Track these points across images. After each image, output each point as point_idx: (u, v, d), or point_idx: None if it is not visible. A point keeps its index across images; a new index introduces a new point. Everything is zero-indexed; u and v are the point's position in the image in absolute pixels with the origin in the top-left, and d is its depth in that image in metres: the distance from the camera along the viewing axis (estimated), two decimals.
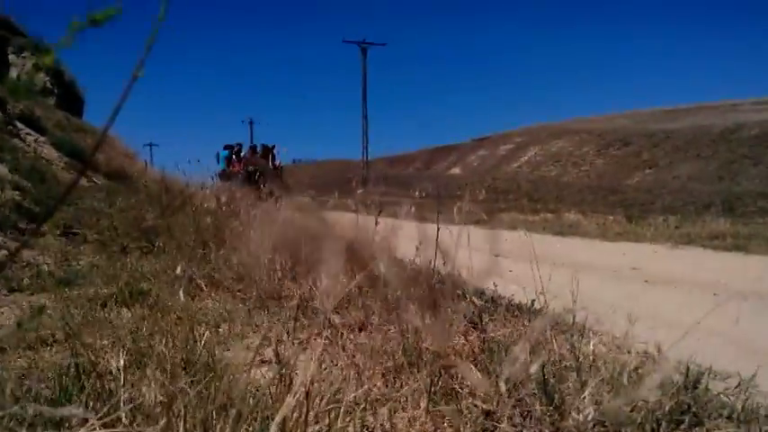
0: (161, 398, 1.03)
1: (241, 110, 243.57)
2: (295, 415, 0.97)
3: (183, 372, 1.37)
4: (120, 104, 0.55)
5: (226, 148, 12.67)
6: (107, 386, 1.16)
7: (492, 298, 2.62)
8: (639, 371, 1.62)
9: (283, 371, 1.29)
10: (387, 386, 1.50)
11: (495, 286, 2.92)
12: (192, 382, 1.35)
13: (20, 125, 7.80)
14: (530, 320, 2.23)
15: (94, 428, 0.81)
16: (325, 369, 1.54)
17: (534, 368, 1.60)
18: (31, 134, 7.90)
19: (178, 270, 2.75)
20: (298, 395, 0.97)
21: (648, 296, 3.72)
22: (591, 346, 1.72)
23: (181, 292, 2.35)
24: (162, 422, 0.91)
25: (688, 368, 1.83)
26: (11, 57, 10.82)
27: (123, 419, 0.95)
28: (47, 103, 10.37)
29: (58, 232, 3.83)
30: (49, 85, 11.24)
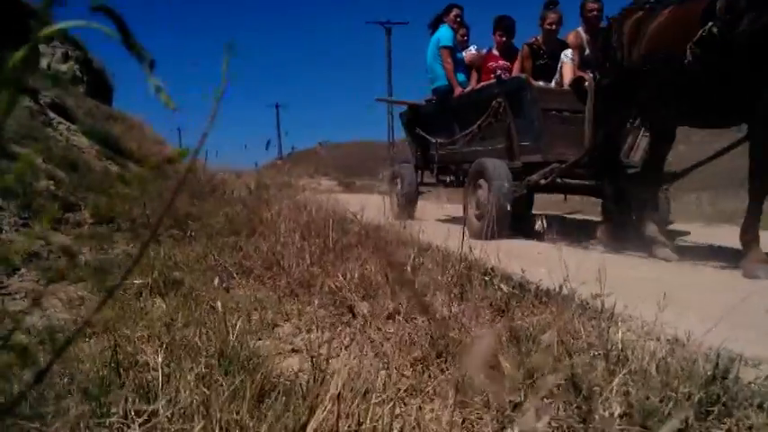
0: (197, 398, 1.07)
1: (266, 95, 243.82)
2: (329, 421, 1.00)
3: (218, 364, 1.41)
4: (207, 132, 0.57)
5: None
6: (146, 382, 1.21)
7: (520, 284, 2.61)
8: (668, 359, 1.62)
9: (314, 364, 1.31)
10: (416, 377, 1.53)
11: (523, 272, 2.92)
12: (225, 374, 1.39)
13: (51, 114, 7.95)
14: (557, 308, 2.22)
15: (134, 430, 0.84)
16: (354, 359, 1.56)
17: (562, 358, 1.61)
18: (62, 123, 8.03)
19: (211, 259, 2.81)
20: (330, 400, 1.00)
21: (679, 278, 3.68)
22: (619, 334, 1.72)
23: (216, 281, 2.41)
24: (199, 425, 0.94)
25: (718, 355, 1.82)
26: (40, 46, 10.98)
27: (162, 420, 0.99)
28: (77, 91, 10.52)
29: (92, 221, 3.92)
30: (78, 73, 11.40)
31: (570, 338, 1.73)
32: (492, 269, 2.88)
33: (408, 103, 8.29)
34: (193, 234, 3.57)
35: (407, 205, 7.47)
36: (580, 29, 5.84)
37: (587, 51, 5.71)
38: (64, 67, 11.37)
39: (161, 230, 3.80)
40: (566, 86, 5.53)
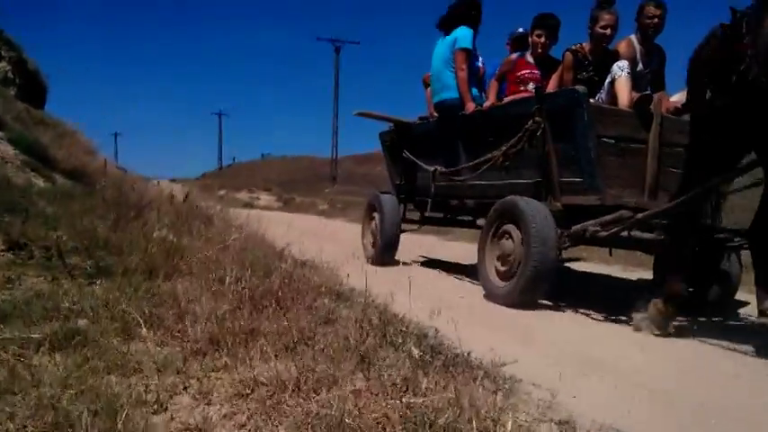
0: None
1: (209, 102, 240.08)
2: None
3: None
4: None
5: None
6: None
7: (432, 347, 2.64)
8: None
9: None
10: None
11: (438, 332, 2.96)
12: None
13: None
14: (463, 377, 2.26)
15: None
16: None
17: None
18: None
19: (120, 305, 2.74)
20: None
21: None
22: (509, 424, 1.76)
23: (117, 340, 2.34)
24: None
25: None
26: None
27: None
28: (7, 93, 10.10)
29: (2, 247, 3.75)
30: (10, 74, 10.96)
31: (465, 423, 1.76)
32: (407, 327, 2.91)
33: (395, 120, 6.77)
34: (108, 270, 3.46)
35: (386, 249, 6.29)
36: (633, 37, 4.74)
37: (640, 66, 4.68)
38: None
39: (75, 262, 3.67)
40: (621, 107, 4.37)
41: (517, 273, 4.17)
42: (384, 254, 6.25)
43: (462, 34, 5.62)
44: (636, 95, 4.37)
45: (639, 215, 3.85)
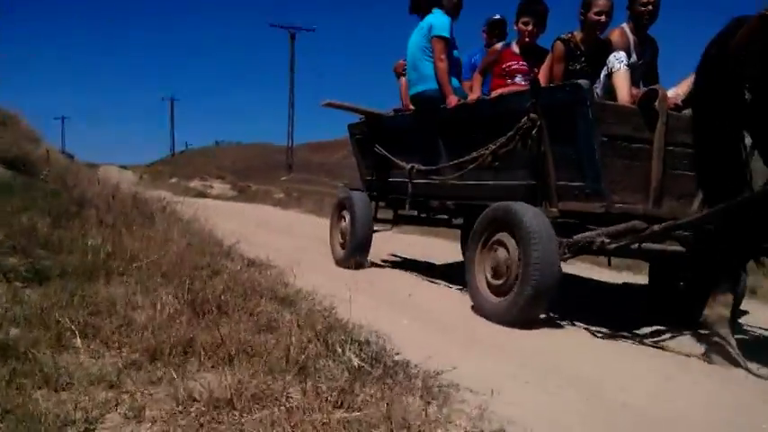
0: None
1: (162, 87, 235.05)
2: None
3: None
4: None
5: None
6: None
7: (376, 354, 2.66)
8: None
9: None
10: None
11: (379, 339, 2.99)
12: None
13: None
14: (400, 388, 2.30)
15: None
16: None
17: None
18: None
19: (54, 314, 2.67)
20: None
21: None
22: None
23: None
24: None
25: None
26: None
27: None
28: None
29: None
30: None
31: None
32: (350, 333, 2.92)
33: (366, 111, 6.24)
34: (46, 272, 3.37)
35: (357, 250, 5.82)
36: (626, 26, 4.37)
37: (633, 57, 4.28)
38: None
39: (12, 263, 3.57)
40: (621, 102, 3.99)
41: (514, 289, 3.72)
42: (355, 255, 5.83)
43: (439, 21, 5.10)
44: (638, 91, 4.08)
45: (657, 227, 3.50)
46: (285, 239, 8.18)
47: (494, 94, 4.76)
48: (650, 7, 4.21)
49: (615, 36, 4.35)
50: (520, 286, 3.66)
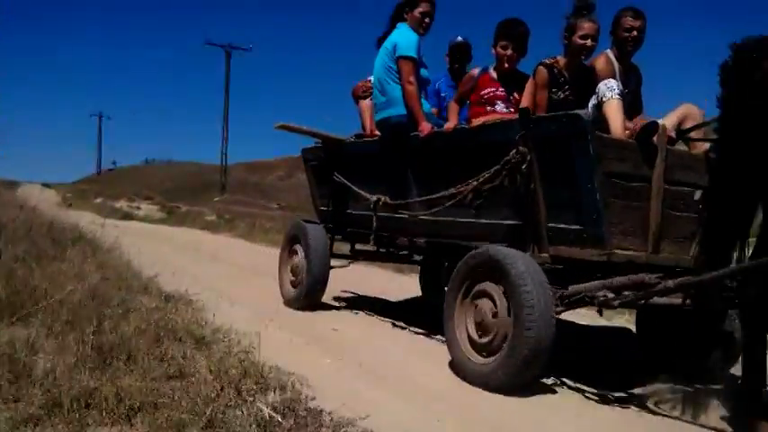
0: None
1: (90, 104, 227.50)
2: None
3: None
4: None
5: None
6: None
7: (291, 401, 2.61)
8: None
9: None
10: None
11: (294, 386, 2.93)
12: None
13: None
14: None
15: None
16: None
17: None
18: None
19: None
20: None
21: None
22: None
23: None
24: None
25: None
26: None
27: None
28: None
29: None
30: None
31: None
32: (264, 378, 2.86)
33: (324, 135, 5.54)
34: None
35: (312, 289, 5.17)
36: (610, 52, 4.03)
37: (619, 86, 3.81)
38: None
39: None
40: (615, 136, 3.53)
41: (504, 349, 3.20)
42: (309, 295, 5.20)
43: (404, 39, 4.55)
44: (632, 124, 3.75)
45: (671, 283, 3.03)
46: (211, 267, 7.95)
47: (475, 122, 4.27)
48: (635, 33, 3.90)
49: (600, 63, 4.00)
50: (512, 348, 3.13)
